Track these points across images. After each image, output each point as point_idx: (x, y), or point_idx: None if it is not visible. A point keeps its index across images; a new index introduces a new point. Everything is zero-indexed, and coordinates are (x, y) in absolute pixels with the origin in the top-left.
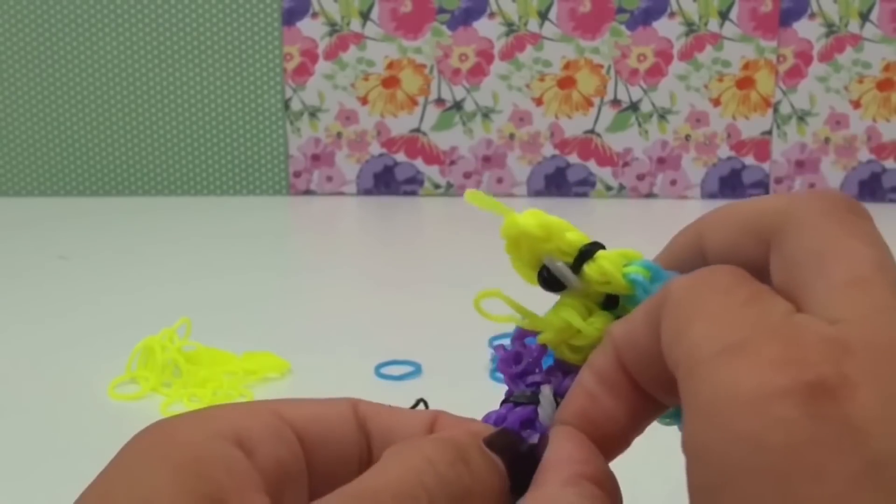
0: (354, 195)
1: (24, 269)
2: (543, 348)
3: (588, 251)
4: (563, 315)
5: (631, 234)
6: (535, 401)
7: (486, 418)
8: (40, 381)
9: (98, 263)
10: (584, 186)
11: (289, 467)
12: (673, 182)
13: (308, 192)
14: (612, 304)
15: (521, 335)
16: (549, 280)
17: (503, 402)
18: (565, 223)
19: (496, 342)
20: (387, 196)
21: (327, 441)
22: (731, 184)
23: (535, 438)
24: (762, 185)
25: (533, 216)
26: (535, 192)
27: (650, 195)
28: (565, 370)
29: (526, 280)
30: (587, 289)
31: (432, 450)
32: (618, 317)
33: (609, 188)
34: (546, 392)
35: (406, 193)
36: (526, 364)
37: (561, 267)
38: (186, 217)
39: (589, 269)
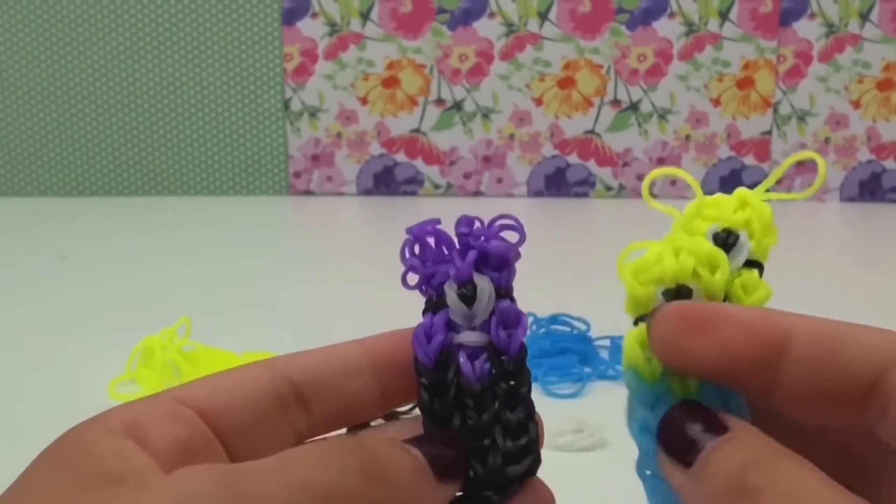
0: (354, 195)
1: (24, 269)
2: (445, 238)
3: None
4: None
5: (631, 235)
6: (444, 304)
7: (417, 336)
8: (40, 382)
9: (98, 263)
10: (584, 186)
11: (190, 444)
12: (673, 182)
13: (308, 193)
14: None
15: (424, 233)
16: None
17: (423, 312)
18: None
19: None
20: (387, 196)
21: (237, 408)
22: (731, 184)
23: (464, 337)
24: None
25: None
26: (535, 193)
27: (650, 195)
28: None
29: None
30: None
31: (329, 461)
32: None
33: (609, 188)
34: (450, 291)
35: (406, 194)
36: (431, 264)
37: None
38: (186, 217)
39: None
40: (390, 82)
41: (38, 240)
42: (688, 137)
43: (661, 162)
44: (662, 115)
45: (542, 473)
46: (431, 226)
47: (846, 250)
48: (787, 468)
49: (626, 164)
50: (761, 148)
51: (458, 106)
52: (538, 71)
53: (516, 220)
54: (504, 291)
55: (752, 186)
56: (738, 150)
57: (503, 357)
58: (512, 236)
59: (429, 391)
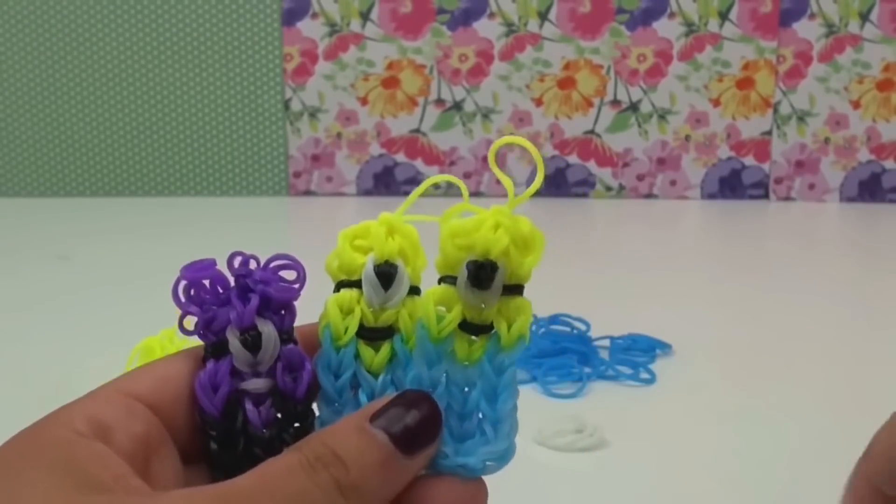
0: (354, 195)
1: (24, 269)
2: (222, 279)
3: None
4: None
5: (631, 235)
6: (227, 349)
7: (202, 386)
8: (40, 382)
9: (98, 263)
10: (583, 186)
11: (148, 440)
12: (673, 182)
13: (308, 193)
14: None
15: (199, 275)
16: (483, 277)
17: (204, 358)
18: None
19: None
20: (387, 196)
21: (180, 399)
22: (731, 184)
23: (250, 384)
24: (762, 186)
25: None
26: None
27: (650, 195)
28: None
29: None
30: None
31: (293, 460)
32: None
33: (609, 188)
34: (232, 338)
35: (406, 194)
36: (209, 307)
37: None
38: (186, 217)
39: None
40: (390, 82)
41: (38, 240)
42: (688, 137)
43: (661, 162)
44: (662, 116)
45: (543, 473)
46: (208, 268)
47: (846, 250)
48: None
49: (626, 165)
50: (761, 148)
51: (457, 106)
52: (538, 71)
53: (294, 259)
54: (287, 335)
55: (751, 186)
56: (738, 151)
57: (289, 401)
58: (291, 275)
59: (218, 442)
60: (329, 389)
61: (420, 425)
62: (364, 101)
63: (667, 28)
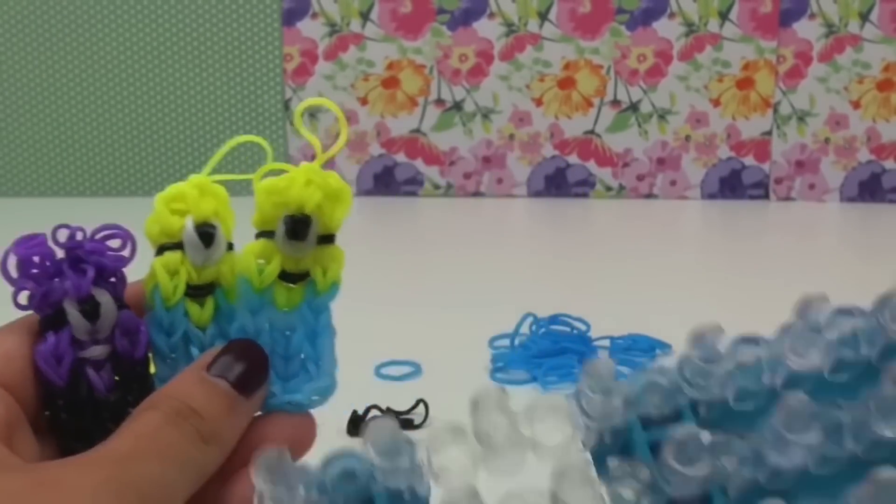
0: (354, 196)
1: None
2: (50, 253)
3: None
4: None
5: (631, 235)
6: (64, 320)
7: (44, 358)
8: None
9: None
10: (583, 187)
11: (9, 420)
12: (673, 182)
13: None
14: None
15: (30, 251)
16: (299, 230)
17: (41, 331)
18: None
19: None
20: (387, 197)
21: (23, 373)
22: (731, 184)
23: (91, 352)
24: (762, 186)
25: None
26: (534, 193)
27: (650, 196)
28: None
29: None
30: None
31: (156, 416)
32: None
33: (609, 188)
34: (71, 309)
35: (406, 194)
36: (41, 281)
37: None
38: None
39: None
40: (390, 83)
41: None
42: (688, 138)
43: (661, 162)
44: (662, 116)
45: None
46: (40, 243)
47: (846, 250)
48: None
49: (626, 165)
50: (761, 148)
51: (458, 106)
52: (538, 71)
53: (121, 228)
54: (120, 302)
55: (751, 186)
56: (738, 151)
57: (128, 363)
58: (116, 243)
59: (68, 411)
60: (163, 347)
61: (251, 369)
62: (364, 102)
63: (667, 28)
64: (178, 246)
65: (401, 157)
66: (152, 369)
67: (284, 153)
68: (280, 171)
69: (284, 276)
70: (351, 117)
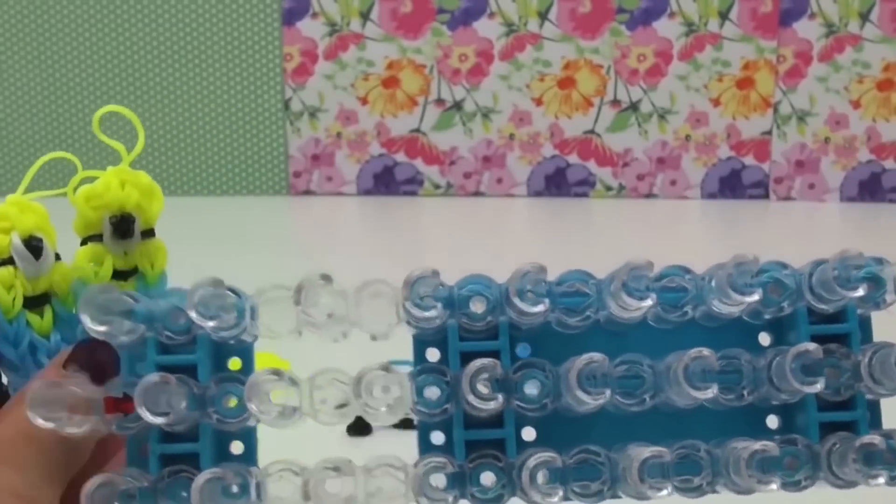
0: (354, 195)
1: None
2: None
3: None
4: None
5: (631, 234)
6: None
7: None
8: None
9: None
10: (583, 186)
11: None
12: (673, 182)
13: (308, 193)
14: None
15: None
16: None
17: None
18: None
19: None
20: (387, 196)
21: None
22: (730, 184)
23: None
24: (762, 186)
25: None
26: (534, 192)
27: (650, 195)
28: None
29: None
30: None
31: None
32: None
33: (609, 188)
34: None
35: (406, 193)
36: None
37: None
38: (186, 217)
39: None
40: (390, 82)
41: None
42: (688, 137)
43: (661, 162)
44: (662, 115)
45: None
46: None
47: None
48: None
49: (626, 164)
50: (761, 148)
51: (458, 106)
52: (538, 71)
53: None
54: None
55: (751, 186)
56: (738, 151)
57: None
58: None
59: None
60: (12, 358)
61: (104, 362)
62: (364, 101)
63: (667, 28)
64: (10, 261)
65: (401, 157)
66: (4, 380)
67: (284, 153)
68: (92, 179)
69: (116, 274)
70: (351, 117)
